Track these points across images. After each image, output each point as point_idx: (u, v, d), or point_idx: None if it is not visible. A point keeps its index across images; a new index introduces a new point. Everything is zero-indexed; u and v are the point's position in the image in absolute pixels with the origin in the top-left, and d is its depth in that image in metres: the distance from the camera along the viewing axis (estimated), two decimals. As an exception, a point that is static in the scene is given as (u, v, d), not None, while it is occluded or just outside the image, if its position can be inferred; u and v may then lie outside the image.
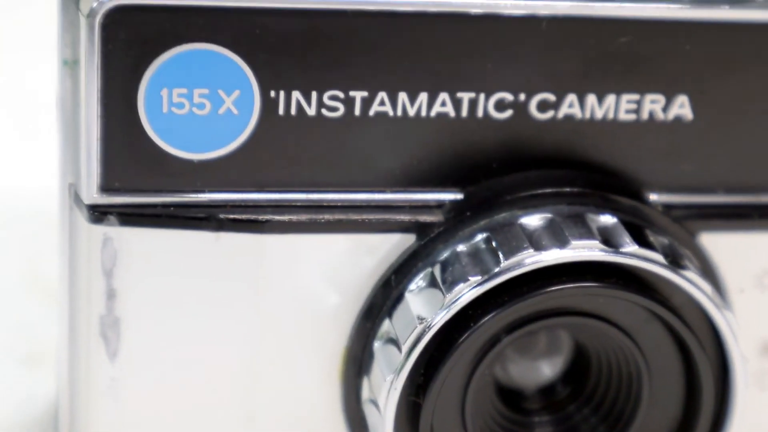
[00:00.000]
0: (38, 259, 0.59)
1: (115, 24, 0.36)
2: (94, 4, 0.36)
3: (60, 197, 0.40)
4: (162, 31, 0.37)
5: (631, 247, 0.38)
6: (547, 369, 0.43)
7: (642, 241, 0.38)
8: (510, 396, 0.42)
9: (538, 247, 0.38)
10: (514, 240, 0.38)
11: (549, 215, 0.39)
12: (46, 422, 0.48)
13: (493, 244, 0.38)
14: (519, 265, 0.37)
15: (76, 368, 0.40)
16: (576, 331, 0.41)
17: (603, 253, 0.38)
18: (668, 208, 0.41)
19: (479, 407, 0.41)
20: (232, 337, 0.40)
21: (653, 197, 0.41)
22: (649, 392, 0.41)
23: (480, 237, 0.39)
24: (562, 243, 0.38)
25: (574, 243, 0.38)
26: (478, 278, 0.37)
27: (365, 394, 0.40)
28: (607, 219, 0.39)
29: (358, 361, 0.40)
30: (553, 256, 0.37)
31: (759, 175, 0.42)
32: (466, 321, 0.38)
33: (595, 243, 0.38)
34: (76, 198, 0.39)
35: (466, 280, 0.38)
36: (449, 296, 0.38)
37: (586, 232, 0.38)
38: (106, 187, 0.38)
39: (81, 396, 0.40)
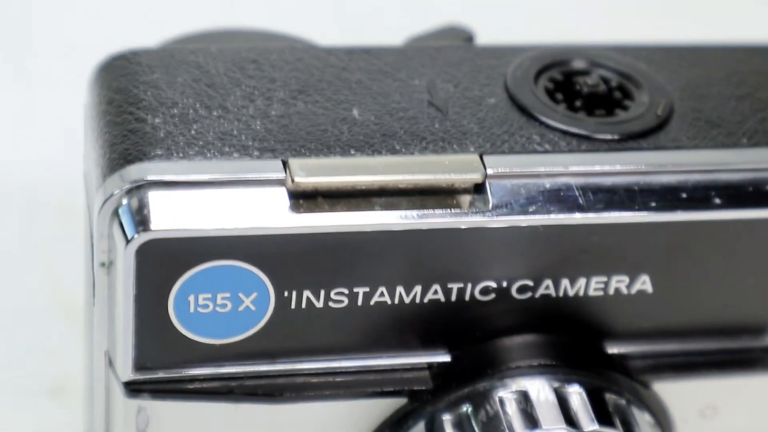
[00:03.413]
0: (59, 268, 0.63)
1: (147, 250, 0.41)
2: (133, 235, 0.41)
3: (96, 358, 0.45)
4: (187, 253, 0.42)
5: (592, 427, 0.44)
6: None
7: (601, 415, 0.45)
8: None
9: (512, 429, 0.44)
10: (494, 420, 0.44)
11: (524, 389, 0.45)
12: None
13: (474, 422, 0.44)
14: (497, 447, 0.44)
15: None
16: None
17: (568, 436, 0.44)
18: (626, 357, 0.47)
19: None
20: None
21: (615, 350, 0.47)
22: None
23: (464, 408, 0.45)
24: (533, 426, 0.44)
25: (545, 427, 0.44)
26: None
27: None
28: (574, 390, 0.45)
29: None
30: (526, 441, 0.44)
31: (701, 326, 0.48)
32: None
33: (562, 428, 0.44)
34: (111, 364, 0.45)
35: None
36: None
37: (554, 413, 0.44)
38: (139, 367, 0.44)
39: None
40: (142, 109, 0.44)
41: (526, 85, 0.47)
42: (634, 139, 0.46)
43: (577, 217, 0.44)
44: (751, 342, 0.48)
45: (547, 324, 0.46)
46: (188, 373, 0.44)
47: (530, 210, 0.43)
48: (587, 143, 0.45)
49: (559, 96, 0.47)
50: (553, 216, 0.43)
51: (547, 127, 0.46)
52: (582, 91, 0.47)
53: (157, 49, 0.48)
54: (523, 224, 0.43)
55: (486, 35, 0.55)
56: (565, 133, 0.46)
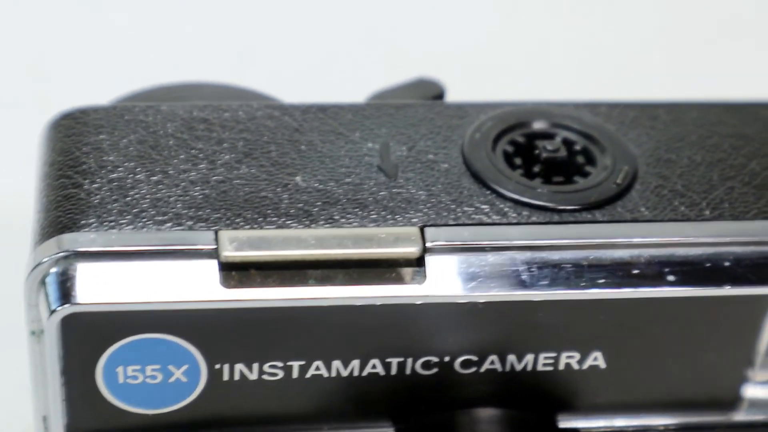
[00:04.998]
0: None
1: (72, 322, 0.41)
2: (56, 307, 0.40)
3: (36, 421, 0.45)
4: (114, 326, 0.41)
5: None
6: None
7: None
8: None
9: None
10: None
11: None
12: None
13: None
14: None
15: None
16: None
17: None
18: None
19: None
20: None
21: (569, 425, 0.45)
22: None
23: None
24: None
25: None
26: None
27: None
28: (519, 469, 0.44)
29: None
30: None
31: (662, 401, 0.46)
32: None
33: None
34: (47, 429, 0.44)
35: None
36: None
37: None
38: (72, 434, 0.43)
39: None
40: (80, 173, 0.43)
41: (483, 149, 0.46)
42: (589, 210, 0.44)
43: (519, 294, 0.42)
44: (716, 417, 0.47)
45: (496, 398, 0.45)
46: (123, 443, 0.44)
47: (469, 286, 0.42)
48: (539, 214, 0.44)
49: (518, 161, 0.46)
50: (493, 292, 0.42)
51: (499, 195, 0.44)
52: (541, 156, 0.46)
53: (107, 106, 0.47)
54: (462, 300, 0.42)
55: (470, 88, 0.53)
56: (516, 202, 0.44)
